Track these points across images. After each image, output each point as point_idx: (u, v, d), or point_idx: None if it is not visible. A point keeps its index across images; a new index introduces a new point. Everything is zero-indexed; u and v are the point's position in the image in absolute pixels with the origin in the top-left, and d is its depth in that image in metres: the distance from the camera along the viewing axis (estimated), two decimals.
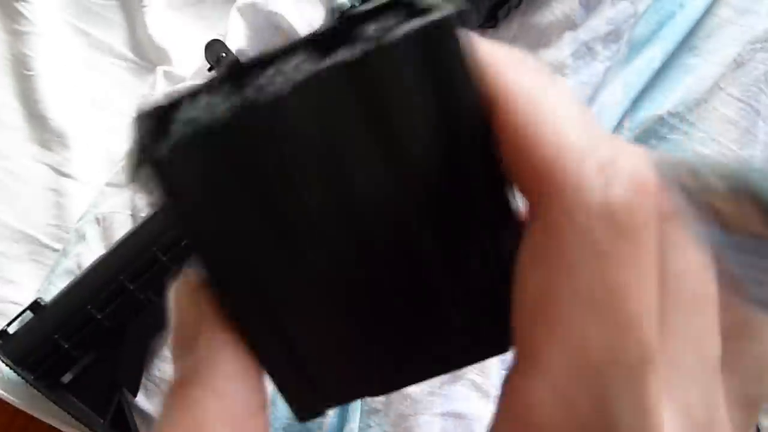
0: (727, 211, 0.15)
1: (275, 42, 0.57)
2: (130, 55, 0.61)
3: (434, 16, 0.14)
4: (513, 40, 0.60)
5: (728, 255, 0.15)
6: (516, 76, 0.15)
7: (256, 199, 0.15)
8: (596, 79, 0.60)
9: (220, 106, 0.15)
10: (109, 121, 0.60)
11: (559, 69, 0.60)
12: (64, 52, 0.60)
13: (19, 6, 0.59)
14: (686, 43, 0.62)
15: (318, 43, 0.15)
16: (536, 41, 0.60)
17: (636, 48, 0.62)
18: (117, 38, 0.61)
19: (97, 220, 0.56)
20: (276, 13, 0.56)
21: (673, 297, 0.15)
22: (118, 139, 0.59)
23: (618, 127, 0.60)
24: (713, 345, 0.16)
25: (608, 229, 0.14)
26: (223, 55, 0.52)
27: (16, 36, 0.59)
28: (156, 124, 0.15)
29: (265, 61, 0.15)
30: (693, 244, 0.15)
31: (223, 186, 0.15)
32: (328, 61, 0.14)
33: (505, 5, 0.57)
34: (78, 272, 0.54)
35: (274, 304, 0.17)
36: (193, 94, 0.15)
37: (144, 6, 0.60)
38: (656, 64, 0.61)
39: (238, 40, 0.56)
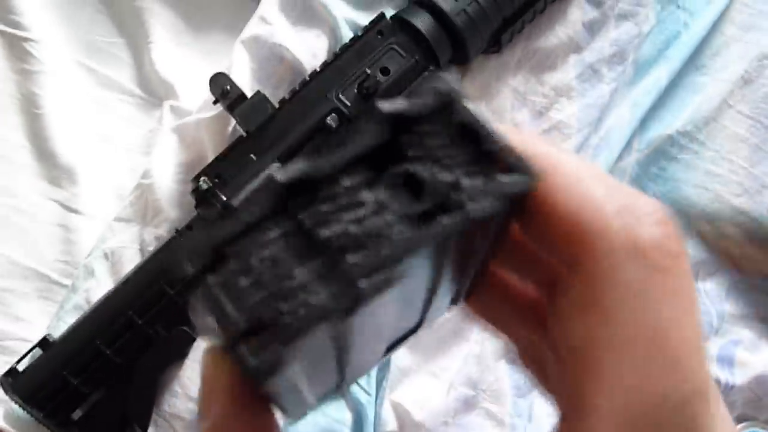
0: (741, 255, 0.16)
1: (280, 75, 0.58)
2: (137, 90, 0.61)
3: (519, 182, 0.15)
4: (518, 65, 0.60)
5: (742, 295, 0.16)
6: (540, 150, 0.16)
7: (324, 350, 0.16)
8: (603, 101, 0.60)
9: (309, 285, 0.14)
10: (117, 157, 0.60)
11: (565, 92, 0.60)
12: (72, 90, 0.60)
13: (28, 46, 0.60)
14: (693, 62, 0.62)
15: (368, 158, 0.15)
16: (541, 65, 0.60)
17: (642, 68, 0.61)
18: (124, 75, 0.62)
19: (106, 256, 0.56)
20: (279, 45, 0.56)
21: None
22: (126, 174, 0.59)
23: (627, 148, 0.60)
24: None
25: (640, 268, 0.14)
26: (228, 87, 0.53)
27: (25, 75, 0.60)
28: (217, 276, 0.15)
29: (311, 185, 0.15)
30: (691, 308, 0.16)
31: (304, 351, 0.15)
32: (432, 232, 0.14)
33: (508, 30, 0.57)
34: (86, 307, 0.54)
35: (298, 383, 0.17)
36: (247, 230, 0.15)
37: (150, 42, 0.61)
38: (663, 83, 0.60)
39: (243, 73, 0.56)
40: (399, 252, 0.14)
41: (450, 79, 0.16)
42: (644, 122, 0.60)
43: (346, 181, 0.15)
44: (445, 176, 0.15)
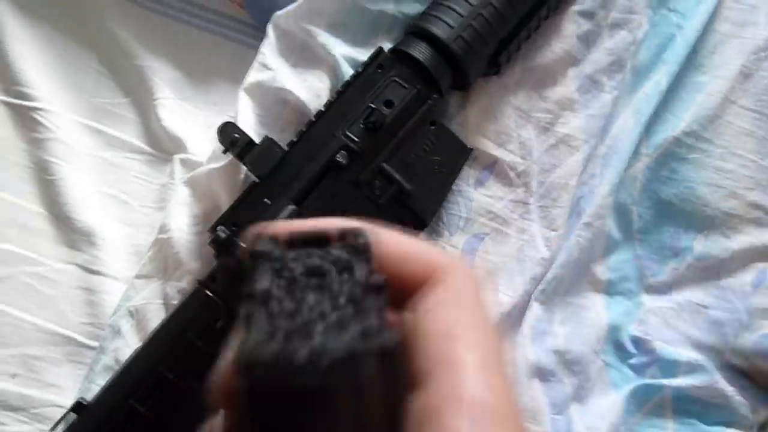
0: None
1: (286, 118, 0.58)
2: (146, 147, 0.62)
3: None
4: (518, 84, 0.61)
5: None
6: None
7: None
8: (606, 110, 0.60)
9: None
10: (133, 215, 0.61)
11: (568, 105, 0.60)
12: (83, 153, 0.61)
13: (36, 115, 0.61)
14: (691, 62, 0.62)
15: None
16: (541, 81, 0.61)
17: (641, 74, 0.62)
18: (132, 133, 0.63)
19: (131, 314, 0.56)
20: (282, 89, 0.57)
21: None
22: (143, 231, 0.60)
23: (635, 154, 0.60)
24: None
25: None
26: (236, 136, 0.53)
27: (35, 144, 0.61)
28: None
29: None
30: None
31: None
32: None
33: (505, 51, 0.58)
34: (116, 368, 0.54)
35: None
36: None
37: (155, 99, 0.62)
38: (663, 86, 0.61)
39: (249, 120, 0.57)
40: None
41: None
42: (649, 127, 0.61)
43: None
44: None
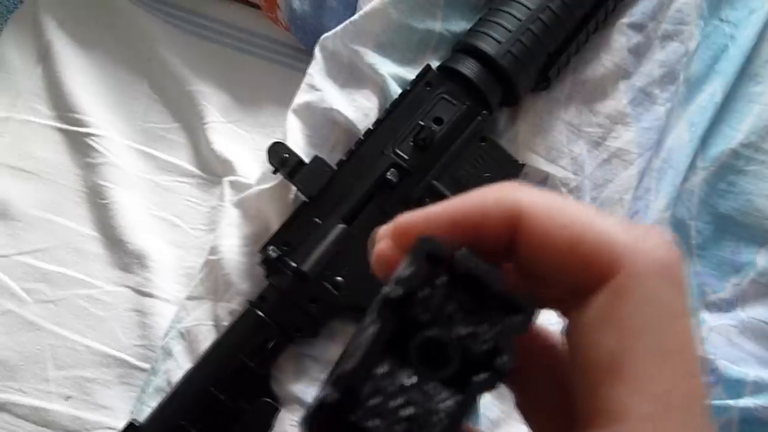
0: None
1: (335, 138, 0.58)
2: (196, 171, 0.63)
3: (528, 316, 0.17)
4: (568, 98, 0.60)
5: None
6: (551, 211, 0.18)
7: None
8: (660, 123, 0.59)
9: None
10: (184, 237, 0.61)
11: (620, 119, 0.59)
12: (134, 177, 0.62)
13: (89, 140, 0.62)
14: (746, 73, 0.61)
15: (394, 345, 0.17)
16: (591, 95, 0.60)
17: (695, 86, 0.60)
18: (182, 157, 0.63)
19: (182, 335, 0.56)
20: (331, 109, 0.57)
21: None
22: (194, 253, 0.60)
23: (691, 167, 0.58)
24: None
25: (667, 286, 0.16)
26: (286, 156, 0.53)
27: (89, 169, 0.62)
28: None
29: (353, 391, 0.16)
30: (685, 312, 0.18)
31: None
32: (472, 393, 0.16)
33: (554, 65, 0.57)
34: (168, 389, 0.54)
35: None
36: None
37: (204, 123, 0.63)
38: (718, 98, 0.59)
39: (298, 141, 0.57)
40: (453, 421, 0.16)
41: (431, 240, 0.17)
42: (705, 140, 0.59)
43: (381, 370, 0.16)
44: (462, 330, 0.17)
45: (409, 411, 0.16)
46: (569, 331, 0.18)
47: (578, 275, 0.17)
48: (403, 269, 0.17)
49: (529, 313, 0.17)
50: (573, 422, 0.17)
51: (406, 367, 0.16)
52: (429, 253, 0.17)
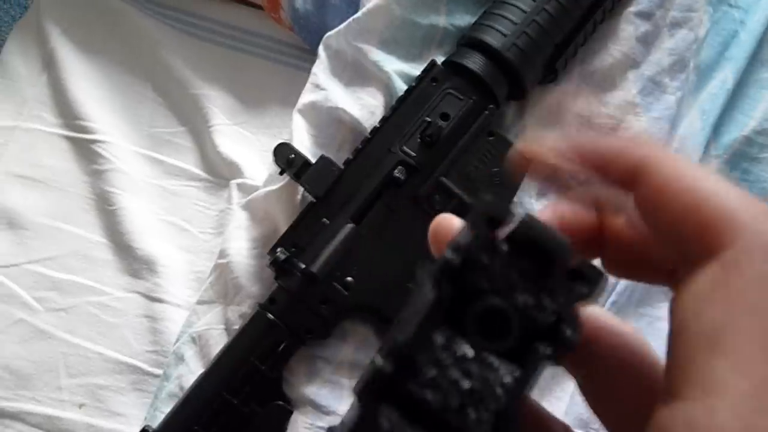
0: None
1: (341, 137, 0.58)
2: (204, 174, 0.62)
3: (596, 289, 0.16)
4: (577, 89, 0.59)
5: None
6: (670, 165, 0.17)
7: None
8: (670, 112, 0.58)
9: None
10: (192, 241, 0.61)
11: (630, 109, 0.58)
12: (142, 183, 0.62)
13: (96, 147, 0.62)
14: (757, 58, 0.60)
15: (451, 315, 0.15)
16: (600, 86, 0.59)
17: (705, 73, 0.60)
18: (189, 161, 0.63)
19: (193, 340, 0.56)
20: (336, 108, 0.57)
21: None
22: (203, 257, 0.60)
23: (704, 156, 0.57)
24: None
25: None
26: (292, 156, 0.53)
27: (96, 175, 0.62)
28: None
29: (408, 360, 0.15)
30: None
31: None
32: (536, 365, 0.15)
33: (561, 57, 0.56)
34: (180, 395, 0.54)
35: None
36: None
37: (210, 126, 0.62)
38: (729, 85, 0.58)
39: (304, 141, 0.56)
40: (514, 396, 0.15)
41: (492, 200, 0.16)
42: (717, 127, 0.58)
43: (438, 340, 0.15)
44: (524, 299, 0.15)
45: (467, 384, 0.15)
46: (674, 304, 0.17)
47: (692, 241, 0.17)
48: (463, 235, 0.16)
49: (595, 284, 0.16)
50: (650, 401, 0.17)
51: (464, 337, 0.16)
52: (491, 217, 0.16)
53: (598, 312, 0.20)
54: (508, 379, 0.15)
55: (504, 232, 0.16)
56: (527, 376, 0.15)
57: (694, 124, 0.58)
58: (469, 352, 0.15)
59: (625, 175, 0.18)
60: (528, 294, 0.16)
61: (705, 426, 0.15)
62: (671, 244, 0.18)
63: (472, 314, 0.16)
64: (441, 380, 0.15)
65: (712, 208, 0.16)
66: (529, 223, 0.16)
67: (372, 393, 0.15)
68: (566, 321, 0.15)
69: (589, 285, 0.16)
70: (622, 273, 0.20)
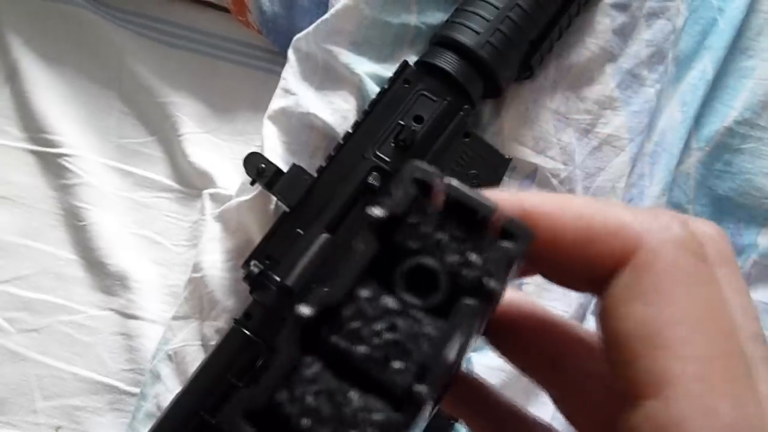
0: None
1: (313, 143, 0.56)
2: (175, 185, 0.61)
3: (521, 244, 0.16)
4: (554, 86, 0.57)
5: None
6: (563, 205, 0.18)
7: None
8: (650, 105, 0.57)
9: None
10: (166, 255, 0.59)
11: (608, 104, 0.57)
12: (112, 196, 0.60)
13: (62, 161, 0.60)
14: (736, 47, 0.58)
15: (374, 266, 0.16)
16: (578, 81, 0.58)
17: (684, 64, 0.58)
18: (159, 172, 0.61)
19: (170, 357, 0.54)
20: (308, 114, 0.55)
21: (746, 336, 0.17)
22: (178, 271, 0.58)
23: (686, 149, 0.56)
24: None
25: (688, 257, 0.17)
26: (262, 166, 0.51)
27: (64, 190, 0.60)
28: None
29: (333, 311, 0.15)
30: (743, 288, 0.18)
31: None
32: (461, 319, 0.15)
33: (537, 53, 0.55)
34: (158, 414, 0.52)
35: None
36: (279, 377, 0.15)
37: (179, 135, 0.60)
38: (709, 75, 0.57)
39: (276, 148, 0.55)
40: (438, 348, 0.15)
41: (420, 164, 0.17)
42: (698, 119, 0.57)
43: (364, 293, 0.15)
44: (452, 258, 0.16)
45: (390, 336, 0.15)
46: (600, 312, 0.18)
47: (598, 262, 0.18)
48: (389, 196, 0.16)
49: (524, 241, 0.16)
50: (617, 407, 0.18)
51: (391, 293, 0.16)
52: (416, 178, 0.16)
53: (562, 325, 0.21)
54: (432, 332, 0.15)
55: (436, 195, 0.17)
56: (452, 328, 0.15)
57: (675, 117, 0.57)
58: (394, 305, 0.15)
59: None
60: (455, 252, 0.16)
61: (667, 418, 0.16)
62: (582, 273, 0.19)
63: (399, 272, 0.16)
64: (364, 332, 0.15)
65: (606, 226, 0.18)
66: (455, 185, 0.16)
67: (294, 342, 0.15)
68: (491, 274, 0.16)
69: (517, 242, 0.16)
70: (554, 281, 0.20)
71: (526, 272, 0.20)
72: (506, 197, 0.18)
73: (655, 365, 0.16)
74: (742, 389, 0.16)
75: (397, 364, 0.15)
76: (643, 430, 0.17)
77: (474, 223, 0.16)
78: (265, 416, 0.14)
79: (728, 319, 0.17)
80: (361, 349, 0.15)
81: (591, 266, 0.18)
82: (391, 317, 0.15)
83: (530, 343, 0.22)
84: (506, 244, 0.16)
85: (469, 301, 0.15)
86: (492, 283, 0.15)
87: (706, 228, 0.18)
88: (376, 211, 0.16)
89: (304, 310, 0.15)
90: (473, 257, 0.16)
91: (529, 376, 0.22)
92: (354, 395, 0.14)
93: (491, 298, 0.16)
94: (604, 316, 0.18)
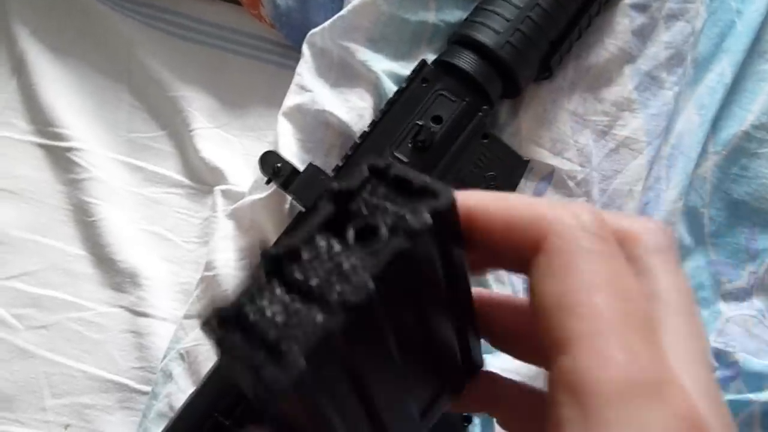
0: None
1: (329, 142, 0.56)
2: (186, 181, 0.60)
3: (443, 200, 0.20)
4: (571, 86, 0.57)
5: None
6: (483, 200, 0.22)
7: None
8: (668, 108, 0.56)
9: (294, 317, 0.18)
10: (177, 252, 0.58)
11: (626, 106, 0.56)
12: (121, 191, 0.59)
13: (71, 155, 0.59)
14: (755, 50, 0.58)
15: (328, 225, 0.20)
16: (596, 82, 0.57)
17: (702, 66, 0.58)
18: (170, 167, 0.60)
19: (182, 356, 0.54)
20: (323, 111, 0.54)
21: (665, 305, 0.21)
22: (189, 268, 0.58)
23: (702, 152, 0.56)
24: (701, 340, 0.21)
25: (592, 237, 0.20)
26: (278, 165, 0.51)
27: (73, 185, 0.59)
28: (231, 331, 0.18)
29: (294, 251, 0.19)
30: (676, 271, 0.22)
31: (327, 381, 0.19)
32: (388, 251, 0.19)
33: (556, 54, 0.54)
34: (170, 414, 0.52)
35: None
36: (247, 295, 0.19)
37: (191, 130, 0.60)
38: (727, 78, 0.56)
39: (290, 146, 0.54)
40: (369, 275, 0.18)
41: (376, 160, 0.21)
42: (715, 122, 0.56)
43: (320, 240, 0.19)
44: (389, 217, 0.20)
45: (331, 265, 0.19)
46: (528, 291, 0.21)
47: (521, 247, 0.21)
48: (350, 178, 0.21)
49: (445, 197, 0.20)
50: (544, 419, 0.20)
51: (342, 243, 0.20)
52: (369, 166, 0.21)
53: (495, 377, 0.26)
54: (367, 262, 0.19)
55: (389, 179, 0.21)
56: (382, 259, 0.19)
57: (692, 120, 0.56)
58: (340, 249, 0.19)
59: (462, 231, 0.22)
60: (392, 211, 0.20)
61: (573, 370, 0.18)
62: (511, 256, 0.22)
63: (350, 229, 0.20)
64: (315, 264, 0.19)
65: (524, 216, 0.21)
66: (397, 165, 0.21)
67: (262, 272, 0.19)
68: (415, 216, 0.19)
69: (440, 197, 0.20)
70: (496, 267, 0.24)
71: (476, 266, 0.23)
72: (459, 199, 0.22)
73: (564, 326, 0.19)
74: (638, 340, 0.18)
75: (337, 287, 0.18)
76: (558, 382, 0.19)
77: (411, 192, 0.20)
78: (233, 323, 0.18)
79: (628, 284, 0.20)
80: (311, 275, 0.19)
81: (517, 251, 0.21)
82: (337, 256, 0.19)
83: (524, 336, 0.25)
84: (429, 201, 0.20)
85: (394, 241, 0.19)
86: (409, 218, 0.19)
87: (643, 222, 0.22)
88: (336, 187, 0.20)
89: (273, 250, 0.19)
90: (404, 212, 0.20)
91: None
92: (303, 310, 0.18)
93: (412, 236, 0.19)
94: (529, 294, 0.21)
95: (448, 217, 0.20)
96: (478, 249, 0.22)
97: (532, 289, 0.21)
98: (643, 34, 0.57)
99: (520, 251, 0.21)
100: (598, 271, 0.19)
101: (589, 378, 0.18)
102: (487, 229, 0.22)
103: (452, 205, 0.20)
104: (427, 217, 0.19)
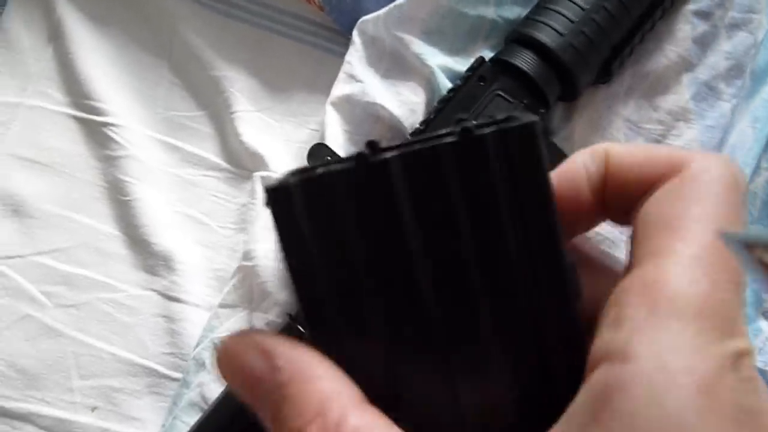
0: None
1: (378, 135, 0.54)
2: (225, 164, 0.58)
3: (516, 122, 0.21)
4: (628, 92, 0.55)
5: None
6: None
7: (359, 237, 0.21)
8: (724, 120, 0.55)
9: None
10: (212, 237, 0.57)
11: (682, 115, 0.55)
12: (158, 171, 0.58)
13: (108, 131, 0.57)
14: None
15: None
16: (653, 89, 0.55)
17: (760, 79, 0.56)
18: (209, 149, 0.59)
19: (215, 345, 0.53)
20: (374, 104, 0.53)
21: None
22: (224, 254, 0.56)
23: (756, 169, 0.55)
24: None
25: (730, 178, 0.21)
26: (328, 159, 0.49)
27: (109, 162, 0.57)
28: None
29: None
30: None
31: (336, 223, 0.21)
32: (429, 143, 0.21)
33: (617, 58, 0.53)
34: (202, 404, 0.51)
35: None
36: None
37: (232, 113, 0.58)
38: None
39: (337, 137, 0.53)
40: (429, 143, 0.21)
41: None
42: None
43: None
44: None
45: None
46: (635, 218, 0.22)
47: (655, 173, 0.22)
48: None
49: (528, 117, 0.22)
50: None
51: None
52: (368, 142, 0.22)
53: None
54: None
55: None
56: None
57: (746, 133, 0.55)
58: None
59: (598, 174, 0.24)
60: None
61: (655, 281, 0.19)
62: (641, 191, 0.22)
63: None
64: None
65: (663, 153, 0.22)
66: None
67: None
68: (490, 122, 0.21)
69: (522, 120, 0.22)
70: (616, 217, 0.25)
71: (594, 220, 0.25)
72: (595, 147, 0.24)
73: (663, 242, 0.20)
74: (723, 279, 0.19)
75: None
76: (630, 287, 0.20)
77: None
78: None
79: (738, 224, 0.21)
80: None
81: (650, 178, 0.22)
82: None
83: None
84: (520, 117, 0.21)
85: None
86: (484, 129, 0.21)
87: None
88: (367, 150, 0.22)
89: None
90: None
91: None
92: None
93: (503, 132, 0.21)
94: (638, 216, 0.21)
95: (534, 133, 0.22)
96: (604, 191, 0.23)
97: (646, 206, 0.21)
98: (703, 43, 0.56)
99: (652, 178, 0.22)
100: (721, 212, 0.20)
101: (672, 290, 0.19)
102: (626, 165, 0.23)
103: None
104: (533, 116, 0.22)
